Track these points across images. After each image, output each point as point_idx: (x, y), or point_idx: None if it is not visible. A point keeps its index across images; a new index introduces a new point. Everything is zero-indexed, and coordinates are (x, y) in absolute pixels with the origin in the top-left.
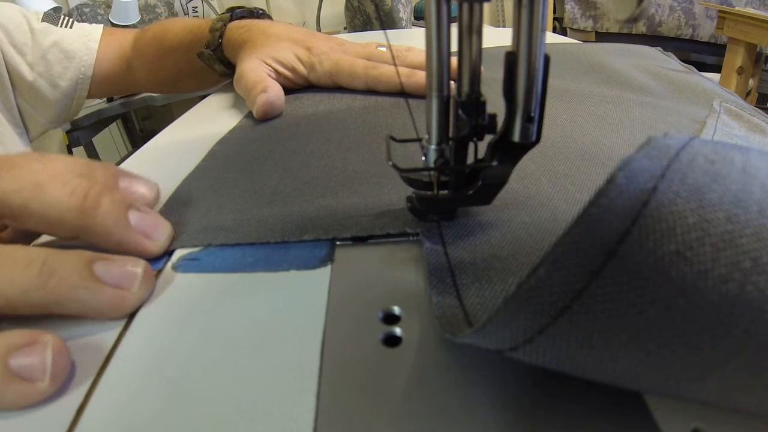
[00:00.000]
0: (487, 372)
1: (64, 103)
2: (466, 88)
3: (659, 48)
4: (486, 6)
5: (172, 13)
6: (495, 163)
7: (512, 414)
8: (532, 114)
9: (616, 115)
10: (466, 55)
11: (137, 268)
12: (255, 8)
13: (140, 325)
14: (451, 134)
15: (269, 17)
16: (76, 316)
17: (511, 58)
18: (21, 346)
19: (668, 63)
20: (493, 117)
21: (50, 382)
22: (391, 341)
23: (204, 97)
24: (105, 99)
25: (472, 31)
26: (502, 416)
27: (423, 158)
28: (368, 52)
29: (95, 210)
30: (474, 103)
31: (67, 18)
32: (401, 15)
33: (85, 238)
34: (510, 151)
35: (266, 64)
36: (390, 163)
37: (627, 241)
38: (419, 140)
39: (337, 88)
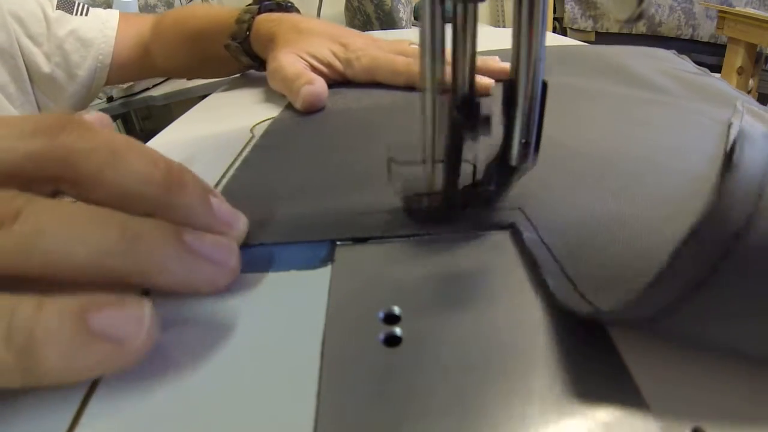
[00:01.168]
0: (486, 372)
1: (81, 92)
2: (460, 88)
3: (674, 51)
4: (486, 6)
5: None
6: (492, 187)
7: (511, 413)
8: (530, 140)
9: (639, 115)
10: (460, 56)
11: (232, 242)
12: (284, 1)
13: None
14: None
15: (297, 10)
16: (157, 289)
17: (509, 86)
18: (104, 305)
19: (684, 65)
20: (487, 118)
21: (147, 336)
22: (391, 341)
23: (204, 97)
24: (105, 99)
25: (466, 32)
26: (502, 416)
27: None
28: (402, 49)
29: (182, 187)
30: (468, 103)
31: (82, 5)
32: (401, 15)
33: (163, 218)
34: (507, 174)
35: (302, 59)
36: (393, 190)
37: (751, 222)
38: (423, 162)
39: (373, 84)
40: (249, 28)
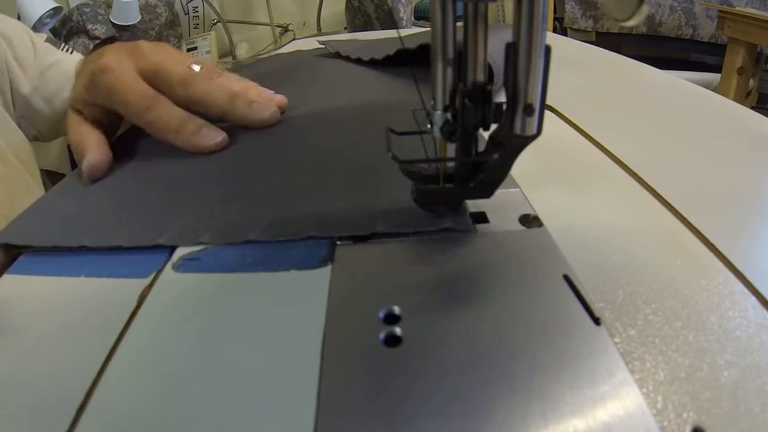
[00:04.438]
0: (487, 372)
1: (58, 120)
2: (472, 76)
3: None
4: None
5: (173, 14)
6: (495, 156)
7: (512, 413)
8: (533, 105)
9: None
10: (471, 43)
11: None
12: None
13: (140, 325)
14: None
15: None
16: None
17: (511, 49)
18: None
19: None
20: (499, 106)
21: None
22: (391, 341)
23: None
24: None
25: (477, 20)
26: (502, 416)
27: (428, 125)
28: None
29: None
30: (480, 91)
31: (68, 47)
32: (401, 15)
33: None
34: (511, 144)
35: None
36: (390, 154)
37: None
38: (419, 133)
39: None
40: None
